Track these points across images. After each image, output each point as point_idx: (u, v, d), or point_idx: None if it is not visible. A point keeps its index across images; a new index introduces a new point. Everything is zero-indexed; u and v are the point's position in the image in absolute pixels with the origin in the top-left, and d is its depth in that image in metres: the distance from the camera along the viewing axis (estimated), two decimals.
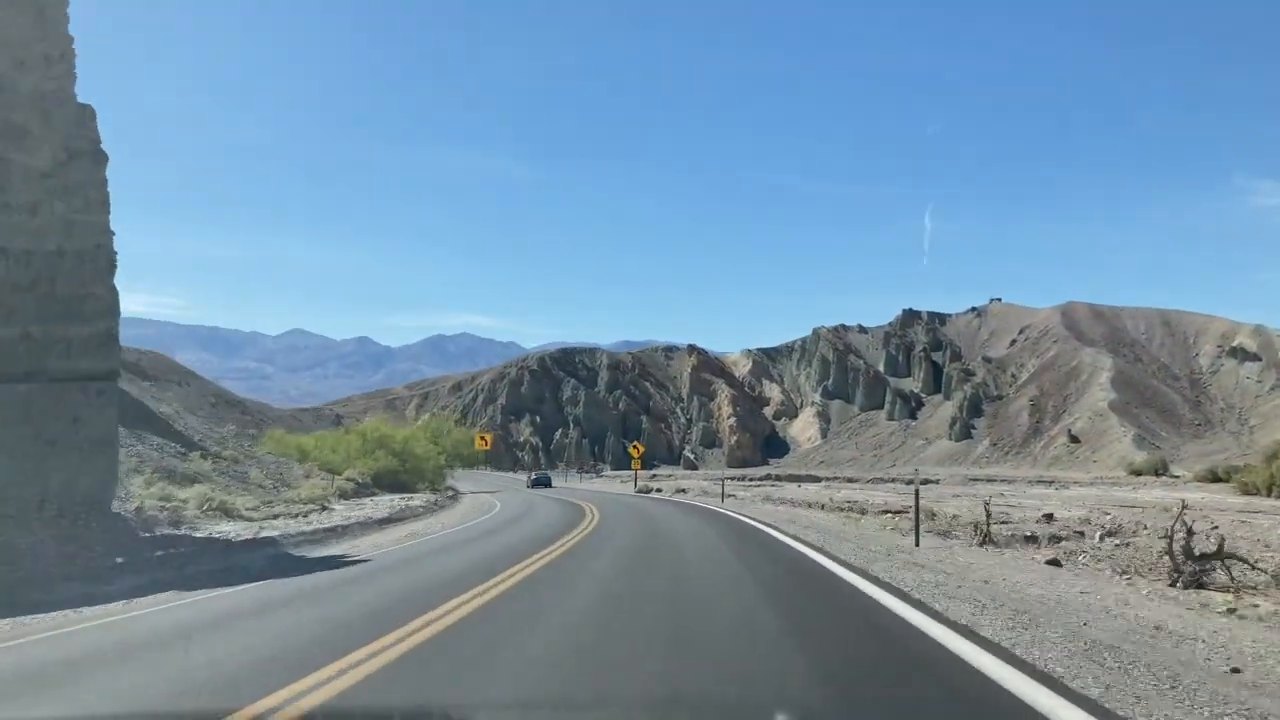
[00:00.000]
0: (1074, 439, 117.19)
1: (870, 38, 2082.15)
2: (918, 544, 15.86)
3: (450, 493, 45.08)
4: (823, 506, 27.42)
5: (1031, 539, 17.23)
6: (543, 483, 65.83)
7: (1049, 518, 25.30)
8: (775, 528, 20.18)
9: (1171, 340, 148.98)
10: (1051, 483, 79.56)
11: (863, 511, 27.15)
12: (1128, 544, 17.51)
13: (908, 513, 29.22)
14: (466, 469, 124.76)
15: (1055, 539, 17.66)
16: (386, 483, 42.62)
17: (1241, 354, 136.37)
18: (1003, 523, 24.80)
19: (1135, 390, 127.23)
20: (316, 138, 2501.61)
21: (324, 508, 25.23)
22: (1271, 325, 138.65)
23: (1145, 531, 22.13)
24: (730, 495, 37.00)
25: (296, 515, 22.12)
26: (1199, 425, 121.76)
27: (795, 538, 17.34)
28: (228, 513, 18.96)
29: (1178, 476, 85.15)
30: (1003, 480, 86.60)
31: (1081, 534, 19.11)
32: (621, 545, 16.16)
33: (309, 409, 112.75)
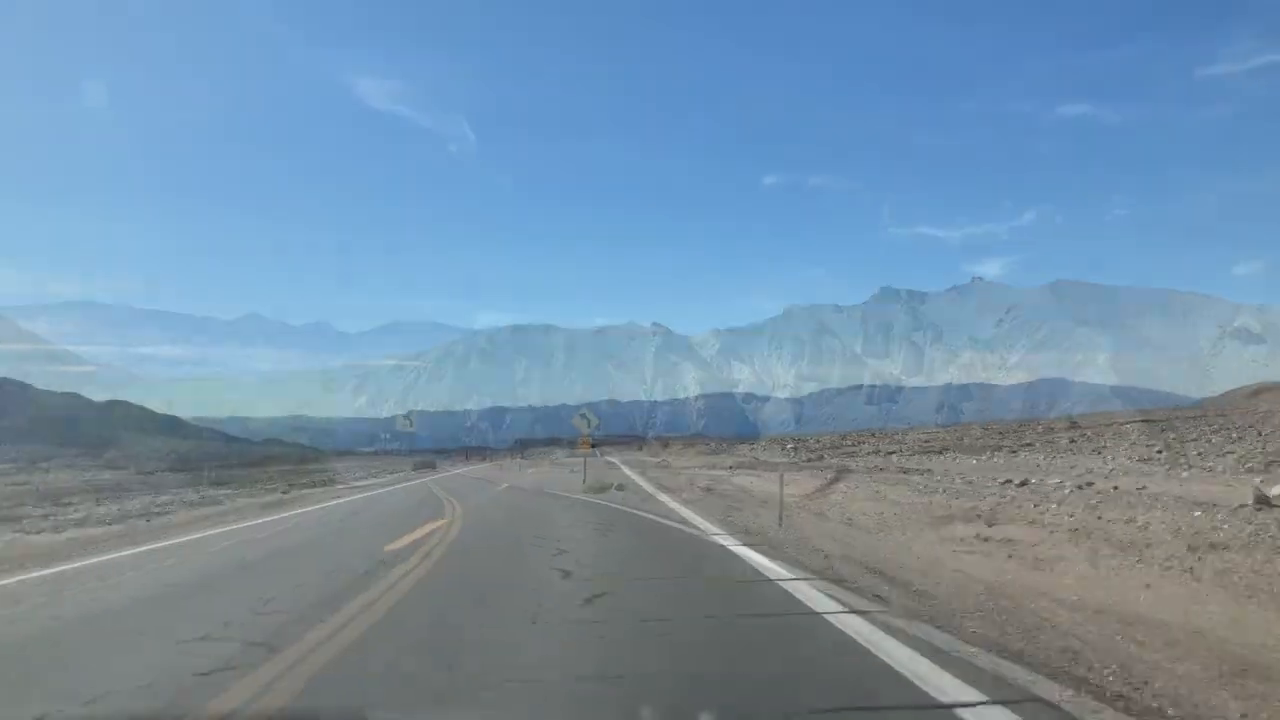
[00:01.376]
0: (1073, 423, 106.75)
1: (819, 20, 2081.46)
2: None
3: (299, 489, 32.12)
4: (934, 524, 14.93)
5: None
6: (427, 465, 70.45)
7: None
8: None
9: (1168, 321, 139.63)
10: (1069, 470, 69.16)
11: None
12: None
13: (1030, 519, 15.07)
14: (408, 455, 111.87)
15: None
16: (209, 477, 29.92)
17: (1245, 335, 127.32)
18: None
19: (1137, 372, 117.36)
20: (274, 122, 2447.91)
21: None
22: (1276, 305, 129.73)
23: None
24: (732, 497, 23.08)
25: None
26: (1206, 410, 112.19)
27: None
28: None
29: (1210, 468, 74.98)
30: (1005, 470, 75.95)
31: None
32: None
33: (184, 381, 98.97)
